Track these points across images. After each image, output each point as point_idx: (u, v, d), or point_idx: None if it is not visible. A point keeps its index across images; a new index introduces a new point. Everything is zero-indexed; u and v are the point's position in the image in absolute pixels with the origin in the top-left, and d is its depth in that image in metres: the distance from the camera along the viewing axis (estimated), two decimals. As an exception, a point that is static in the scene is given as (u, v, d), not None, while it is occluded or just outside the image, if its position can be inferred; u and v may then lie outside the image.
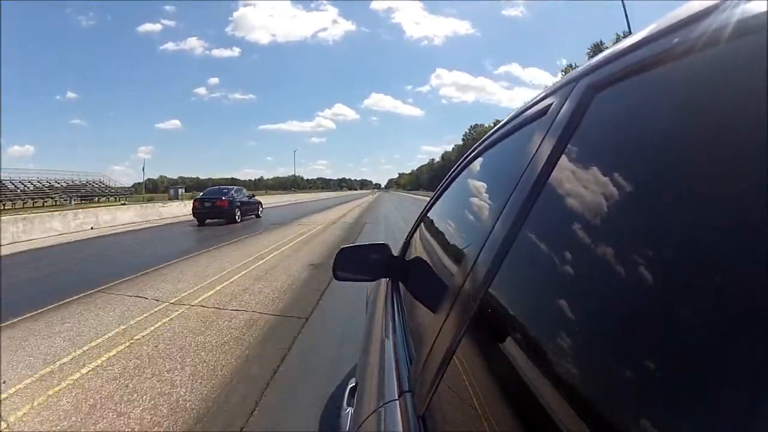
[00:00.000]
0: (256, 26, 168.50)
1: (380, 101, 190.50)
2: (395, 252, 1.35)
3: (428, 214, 1.33)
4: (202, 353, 2.82)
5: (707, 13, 0.31)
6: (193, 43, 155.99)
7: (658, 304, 0.27)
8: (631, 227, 0.33)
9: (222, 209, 12.00)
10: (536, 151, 0.52)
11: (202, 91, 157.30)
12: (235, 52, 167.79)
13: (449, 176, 1.22)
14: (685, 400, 0.23)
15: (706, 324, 0.24)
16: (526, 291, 0.47)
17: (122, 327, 3.36)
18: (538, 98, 0.66)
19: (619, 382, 0.28)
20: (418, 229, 1.39)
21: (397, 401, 0.64)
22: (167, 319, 3.54)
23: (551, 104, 0.56)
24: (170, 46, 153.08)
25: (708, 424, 0.22)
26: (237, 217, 12.16)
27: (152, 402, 2.19)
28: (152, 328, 3.33)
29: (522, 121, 0.68)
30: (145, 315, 3.65)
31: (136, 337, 3.12)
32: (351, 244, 1.32)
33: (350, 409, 0.87)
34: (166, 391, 2.30)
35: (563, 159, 0.45)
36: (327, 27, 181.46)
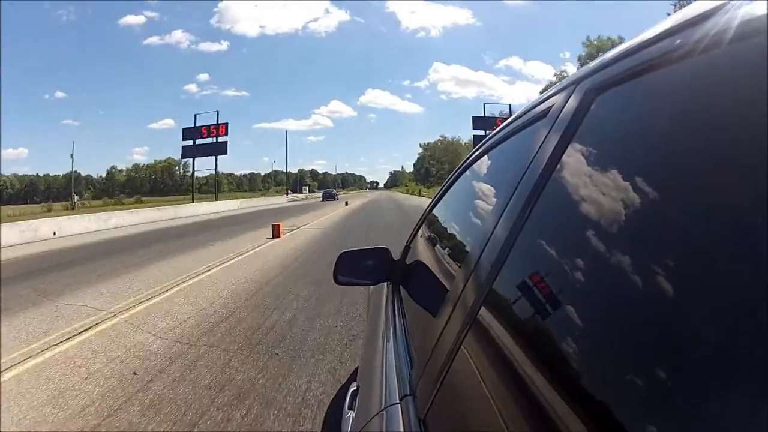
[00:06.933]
0: (241, 17, 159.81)
1: (377, 97, 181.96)
2: (396, 255, 1.35)
3: (429, 217, 1.33)
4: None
5: (708, 15, 0.31)
6: (179, 36, 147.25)
7: (661, 304, 0.27)
8: (632, 228, 0.33)
9: (332, 195, 42.97)
10: (538, 152, 0.52)
11: (192, 88, 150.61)
12: (224, 45, 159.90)
13: (451, 177, 1.21)
14: (685, 399, 0.23)
15: (707, 323, 0.24)
16: (528, 293, 0.47)
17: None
18: (540, 99, 0.66)
19: (621, 385, 0.28)
20: (419, 232, 1.38)
21: (399, 404, 0.64)
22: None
23: (553, 105, 0.56)
24: (155, 40, 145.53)
25: (708, 424, 0.22)
26: (335, 198, 40.90)
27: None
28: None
29: (524, 122, 0.68)
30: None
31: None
32: (351, 249, 1.32)
33: (351, 413, 0.86)
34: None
35: (565, 160, 0.45)
36: (319, 17, 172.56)
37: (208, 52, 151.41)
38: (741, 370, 0.21)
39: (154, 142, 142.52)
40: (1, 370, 2.72)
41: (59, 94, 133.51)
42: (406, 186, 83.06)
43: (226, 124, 32.73)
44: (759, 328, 0.20)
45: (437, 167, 74.05)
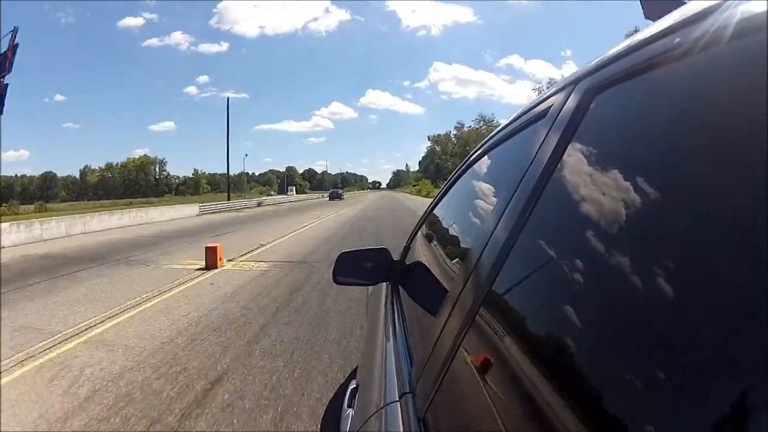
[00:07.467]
0: (241, 18, 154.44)
1: (378, 98, 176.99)
2: (395, 255, 1.35)
3: (429, 217, 1.34)
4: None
5: (707, 14, 0.31)
6: (178, 38, 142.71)
7: (660, 304, 0.27)
8: (631, 228, 0.33)
9: (339, 195, 45.86)
10: (537, 152, 0.52)
11: (192, 90, 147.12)
12: (223, 46, 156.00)
13: (452, 177, 1.22)
14: (685, 399, 0.23)
15: (706, 323, 0.24)
16: (527, 292, 0.47)
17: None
18: (539, 99, 0.66)
19: (621, 385, 0.28)
20: (419, 232, 1.39)
21: (398, 403, 0.65)
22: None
23: (552, 105, 0.56)
24: (154, 42, 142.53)
25: (708, 424, 0.22)
26: (341, 198, 44.19)
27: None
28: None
29: (524, 122, 0.69)
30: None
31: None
32: (351, 249, 1.32)
33: (351, 411, 0.87)
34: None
35: (564, 160, 0.45)
36: (319, 17, 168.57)
37: (208, 54, 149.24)
38: (741, 370, 0.21)
39: (155, 144, 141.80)
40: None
41: (59, 98, 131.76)
42: (415, 185, 69.24)
43: (16, 46, 15.88)
44: (759, 328, 0.20)
45: (454, 161, 57.07)
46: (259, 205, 30.65)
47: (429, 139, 75.45)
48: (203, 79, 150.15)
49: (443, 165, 62.15)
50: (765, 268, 0.21)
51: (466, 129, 63.03)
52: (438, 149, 71.51)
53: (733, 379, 0.21)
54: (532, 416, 0.36)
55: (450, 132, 70.06)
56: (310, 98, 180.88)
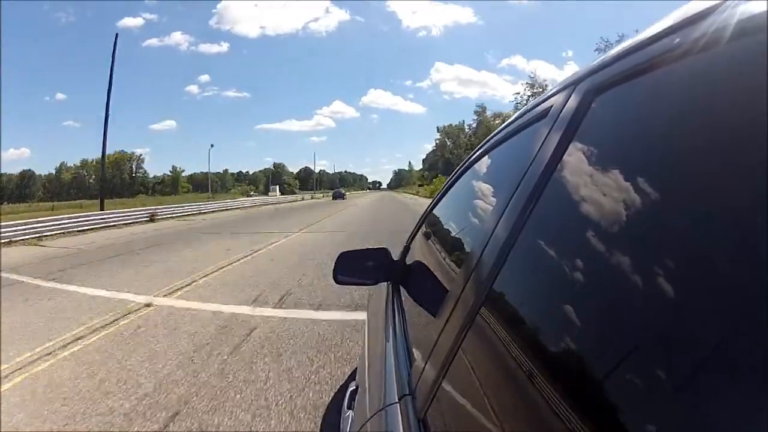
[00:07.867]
0: (241, 18, 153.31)
1: (379, 98, 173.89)
2: (395, 255, 1.35)
3: (429, 217, 1.34)
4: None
5: (707, 14, 0.31)
6: (178, 38, 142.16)
7: (660, 304, 0.27)
8: (632, 228, 0.33)
9: (341, 195, 49.27)
10: (538, 153, 0.52)
11: (194, 89, 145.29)
12: (224, 47, 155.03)
13: (452, 177, 1.22)
14: (685, 399, 0.23)
15: (706, 323, 0.24)
16: (528, 292, 0.47)
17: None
18: (540, 99, 0.66)
19: (621, 385, 0.28)
20: (419, 232, 1.39)
21: (398, 404, 0.64)
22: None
23: (553, 106, 0.56)
24: (154, 42, 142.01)
25: (708, 424, 0.22)
26: (343, 197, 46.53)
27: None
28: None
29: (524, 123, 0.69)
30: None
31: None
32: (351, 249, 1.32)
33: (350, 413, 0.87)
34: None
35: (565, 160, 0.45)
36: (319, 17, 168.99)
37: (208, 54, 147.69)
38: (741, 370, 0.21)
39: (156, 143, 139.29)
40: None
41: (59, 96, 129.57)
42: (422, 184, 58.88)
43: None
44: (759, 328, 0.20)
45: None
46: (151, 219, 16.83)
47: (438, 131, 65.93)
48: (204, 78, 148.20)
49: (454, 160, 53.46)
50: (765, 268, 0.21)
51: (489, 115, 52.08)
52: (449, 143, 63.05)
53: (733, 379, 0.21)
54: (532, 417, 0.36)
55: (464, 122, 61.12)
56: (311, 97, 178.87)
